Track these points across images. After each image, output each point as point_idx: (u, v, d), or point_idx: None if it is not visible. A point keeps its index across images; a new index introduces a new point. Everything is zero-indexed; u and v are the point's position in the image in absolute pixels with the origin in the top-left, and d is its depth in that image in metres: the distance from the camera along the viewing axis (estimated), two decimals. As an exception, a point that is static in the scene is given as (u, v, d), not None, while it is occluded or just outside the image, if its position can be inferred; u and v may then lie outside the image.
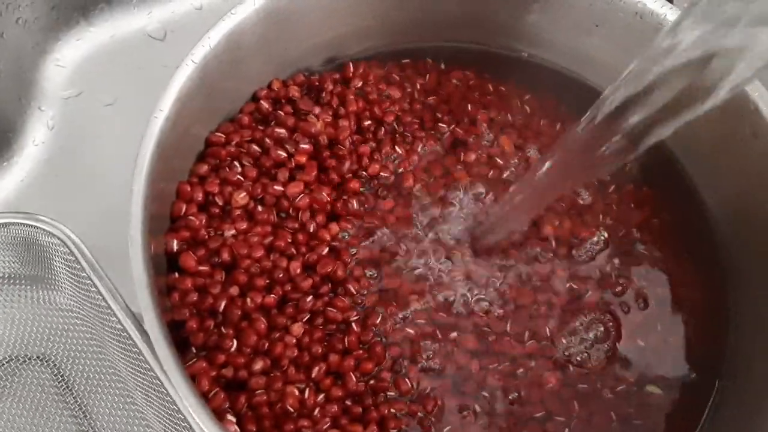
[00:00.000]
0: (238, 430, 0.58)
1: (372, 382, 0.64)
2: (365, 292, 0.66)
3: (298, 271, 0.65)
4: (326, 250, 0.67)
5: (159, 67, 0.87)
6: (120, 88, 0.88)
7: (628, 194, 0.73)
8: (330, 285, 0.66)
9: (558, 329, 0.67)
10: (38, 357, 0.73)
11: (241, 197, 0.67)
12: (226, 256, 0.64)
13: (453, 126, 0.74)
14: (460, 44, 0.79)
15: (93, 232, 0.71)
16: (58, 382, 0.72)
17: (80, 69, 0.88)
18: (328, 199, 0.69)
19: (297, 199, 0.68)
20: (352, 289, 0.66)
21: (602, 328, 0.67)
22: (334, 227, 0.68)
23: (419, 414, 0.63)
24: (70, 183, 0.82)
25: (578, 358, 0.66)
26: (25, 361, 0.72)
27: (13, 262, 0.73)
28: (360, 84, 0.75)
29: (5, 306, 0.73)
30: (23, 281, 0.74)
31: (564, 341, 0.66)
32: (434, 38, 0.79)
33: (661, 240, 0.71)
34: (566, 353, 0.66)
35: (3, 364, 0.72)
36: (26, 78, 0.85)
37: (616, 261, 0.70)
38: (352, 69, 0.75)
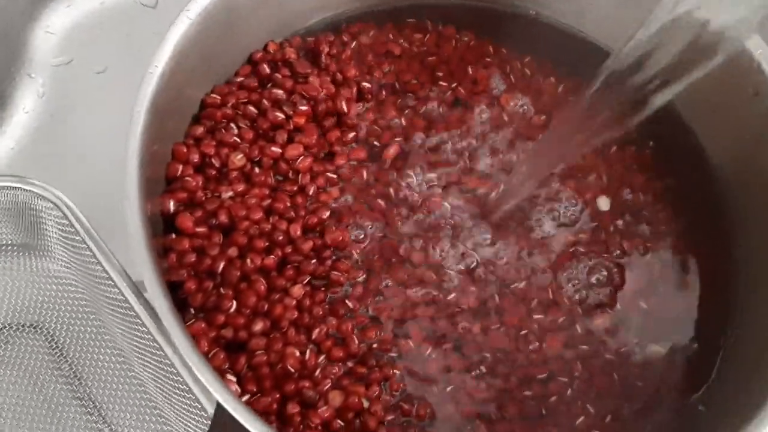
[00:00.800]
0: (239, 389, 0.57)
1: (375, 345, 0.62)
2: (370, 256, 0.65)
3: (299, 233, 0.64)
4: (327, 213, 0.66)
5: (150, 34, 0.85)
6: (110, 56, 0.86)
7: (630, 156, 0.72)
8: (332, 249, 0.65)
9: (558, 286, 0.66)
10: (31, 325, 0.72)
11: (238, 159, 0.66)
12: (223, 217, 0.63)
13: (455, 85, 0.73)
14: (461, 0, 0.78)
15: (85, 200, 0.70)
16: (52, 350, 0.71)
17: (70, 36, 0.87)
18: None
19: (297, 162, 0.66)
20: (355, 253, 0.65)
21: (605, 273, 0.67)
22: (335, 191, 0.67)
23: (421, 374, 0.62)
24: (60, 150, 0.81)
25: (579, 297, 0.66)
26: (18, 329, 0.71)
27: (5, 229, 0.72)
28: (355, 44, 0.73)
29: (-2, 273, 0.72)
30: (15, 249, 0.73)
31: (567, 287, 0.66)
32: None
33: (665, 200, 0.70)
34: (569, 297, 0.65)
35: (-4, 332, 0.71)
36: (15, 45, 0.84)
37: (620, 222, 0.69)
38: (348, 29, 0.74)
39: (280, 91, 0.68)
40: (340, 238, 0.65)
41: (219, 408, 0.52)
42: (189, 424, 0.62)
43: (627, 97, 0.54)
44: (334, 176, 0.69)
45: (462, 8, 0.78)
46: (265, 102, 0.68)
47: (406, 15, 0.77)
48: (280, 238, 0.64)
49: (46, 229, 0.70)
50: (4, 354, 0.70)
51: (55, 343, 0.71)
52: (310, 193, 0.67)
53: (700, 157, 0.72)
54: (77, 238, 0.67)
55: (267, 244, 0.63)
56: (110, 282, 0.64)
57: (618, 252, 0.68)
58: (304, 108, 0.68)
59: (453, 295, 0.66)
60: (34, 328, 0.71)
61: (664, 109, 0.67)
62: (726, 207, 0.70)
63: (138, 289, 0.63)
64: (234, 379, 0.58)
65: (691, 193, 0.71)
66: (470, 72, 0.74)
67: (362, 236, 0.66)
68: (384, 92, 0.72)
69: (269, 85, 0.71)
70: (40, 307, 0.72)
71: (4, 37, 0.82)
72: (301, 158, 0.67)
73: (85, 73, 0.85)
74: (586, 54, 0.75)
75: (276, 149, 0.67)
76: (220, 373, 0.57)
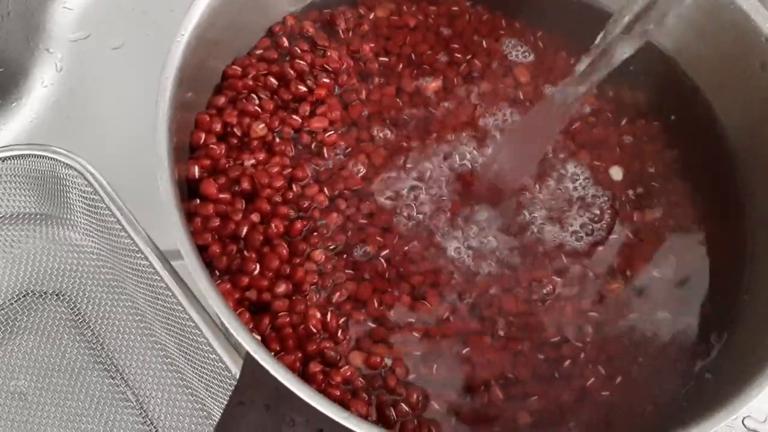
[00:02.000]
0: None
1: (392, 311, 0.64)
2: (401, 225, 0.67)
3: (326, 203, 0.66)
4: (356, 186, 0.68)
5: (166, 11, 0.88)
6: (127, 32, 0.88)
7: (640, 128, 0.74)
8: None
9: (570, 252, 0.68)
10: (54, 292, 0.73)
11: (260, 128, 0.67)
12: (246, 184, 0.65)
13: (470, 57, 0.75)
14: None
15: (104, 172, 0.72)
16: (75, 316, 0.72)
17: (87, 12, 0.88)
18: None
19: (323, 135, 0.69)
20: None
21: (618, 240, 0.68)
22: (362, 158, 0.69)
23: (437, 337, 0.63)
24: (78, 123, 0.82)
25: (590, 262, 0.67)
26: (41, 296, 0.73)
27: (29, 198, 0.74)
28: (372, 16, 0.75)
29: (20, 242, 0.74)
30: (38, 218, 0.75)
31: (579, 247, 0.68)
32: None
33: (676, 171, 0.72)
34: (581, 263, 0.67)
35: (19, 299, 0.72)
36: (34, 20, 0.85)
37: (631, 192, 0.71)
38: (364, 2, 0.76)
39: (303, 62, 0.70)
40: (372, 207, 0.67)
41: (246, 365, 0.53)
42: (212, 385, 0.63)
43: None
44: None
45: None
46: (290, 72, 0.70)
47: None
48: (305, 204, 0.65)
49: (69, 198, 0.72)
50: (27, 320, 0.72)
51: (78, 310, 0.72)
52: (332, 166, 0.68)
53: (713, 127, 0.73)
54: (102, 205, 0.68)
55: (290, 210, 0.65)
56: (135, 248, 0.66)
57: (630, 221, 0.69)
58: (326, 81, 0.69)
59: (471, 261, 0.67)
60: (57, 295, 0.73)
61: (677, 79, 0.70)
62: (737, 177, 0.71)
63: (164, 256, 0.65)
64: (258, 338, 0.59)
65: (702, 164, 0.73)
66: (484, 45, 0.75)
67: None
68: (401, 65, 0.73)
69: (287, 57, 0.72)
70: (62, 275, 0.73)
71: (23, 12, 0.83)
72: (327, 132, 0.69)
73: (103, 48, 0.86)
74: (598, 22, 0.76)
75: (297, 119, 0.68)
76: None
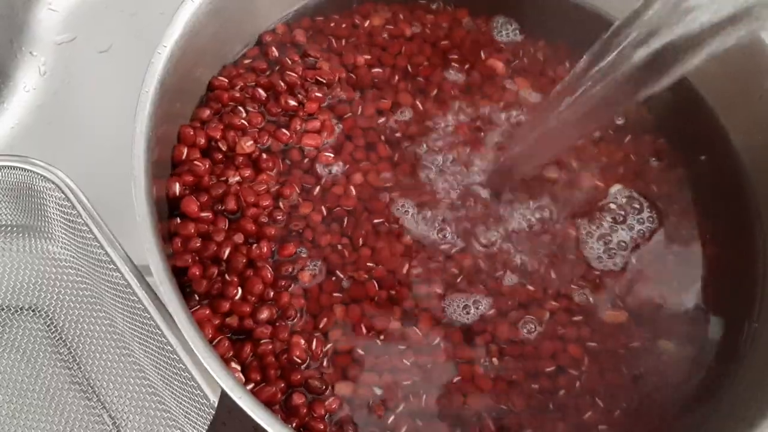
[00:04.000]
0: (243, 377, 0.56)
1: (383, 337, 0.61)
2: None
3: (316, 223, 0.64)
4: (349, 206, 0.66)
5: (156, 14, 0.85)
6: (114, 35, 0.84)
7: (645, 144, 0.71)
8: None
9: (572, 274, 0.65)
10: (30, 307, 0.70)
11: (247, 145, 0.64)
12: (231, 203, 0.62)
13: (467, 67, 0.72)
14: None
15: (86, 181, 0.69)
16: (51, 333, 0.69)
17: (74, 14, 0.85)
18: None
19: (315, 152, 0.67)
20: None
21: (619, 262, 0.66)
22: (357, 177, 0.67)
23: (429, 366, 0.61)
24: (62, 130, 0.79)
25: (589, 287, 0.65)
26: (17, 312, 0.70)
27: (5, 209, 0.71)
28: (367, 24, 0.72)
29: (-4, 255, 0.71)
30: (15, 230, 0.72)
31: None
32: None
33: (682, 188, 0.69)
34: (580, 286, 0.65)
35: (-6, 314, 0.69)
36: (18, 21, 0.82)
37: (635, 211, 0.68)
38: (359, 10, 0.73)
39: (294, 74, 0.67)
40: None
41: (223, 397, 0.50)
42: (190, 411, 0.60)
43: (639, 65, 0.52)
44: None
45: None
46: (281, 84, 0.67)
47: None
48: (295, 224, 0.63)
49: (47, 211, 0.69)
50: (2, 337, 0.69)
51: (54, 326, 0.69)
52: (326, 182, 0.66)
53: (722, 146, 0.70)
54: (79, 220, 0.65)
55: (275, 231, 0.62)
56: (112, 266, 0.63)
57: (633, 241, 0.67)
58: (318, 95, 0.67)
59: (465, 285, 0.64)
60: (33, 310, 0.70)
61: (688, 96, 0.67)
62: (747, 198, 0.68)
63: (141, 274, 0.62)
64: (238, 367, 0.56)
65: (710, 184, 0.70)
66: (483, 56, 0.72)
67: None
68: (396, 77, 0.70)
69: (277, 68, 0.69)
70: (39, 290, 0.70)
71: (6, 13, 0.80)
72: (319, 149, 0.67)
73: (89, 51, 0.83)
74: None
75: (286, 133, 0.66)
76: (225, 361, 0.55)
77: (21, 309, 0.70)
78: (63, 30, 0.84)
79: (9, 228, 0.71)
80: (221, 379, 0.47)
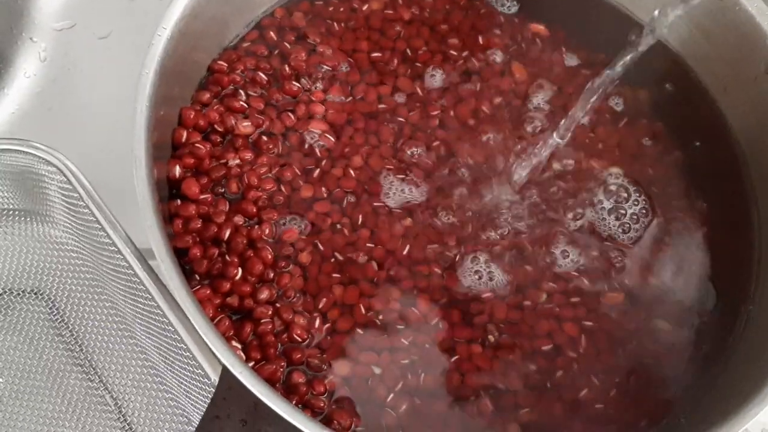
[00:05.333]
0: (243, 356, 0.57)
1: (381, 316, 0.62)
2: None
3: (317, 203, 0.65)
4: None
5: (154, 1, 0.85)
6: (114, 21, 0.85)
7: (641, 128, 0.71)
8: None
9: (565, 258, 0.65)
10: (32, 291, 0.71)
11: (244, 125, 0.65)
12: (232, 185, 0.62)
13: (465, 53, 0.72)
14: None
15: (87, 166, 0.69)
16: (54, 316, 0.70)
17: (73, 0, 0.85)
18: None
19: (318, 137, 0.68)
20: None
21: (617, 245, 0.66)
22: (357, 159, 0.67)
23: (427, 345, 0.61)
24: (62, 116, 0.79)
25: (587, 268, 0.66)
26: (19, 295, 0.70)
27: (7, 194, 0.71)
28: (365, 8, 0.72)
29: (-1, 239, 0.71)
30: (17, 214, 0.72)
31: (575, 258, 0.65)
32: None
33: (680, 173, 0.70)
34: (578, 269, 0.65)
35: (-4, 297, 0.70)
36: (18, 8, 0.82)
37: (633, 195, 0.68)
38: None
39: (298, 59, 0.68)
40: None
41: (223, 375, 0.51)
42: (191, 391, 0.61)
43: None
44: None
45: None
46: (285, 69, 0.69)
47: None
48: (296, 206, 0.64)
49: (49, 195, 0.70)
50: (5, 320, 0.69)
51: (57, 309, 0.70)
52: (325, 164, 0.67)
53: (720, 129, 0.71)
54: (80, 203, 0.66)
55: (276, 213, 0.62)
56: (114, 248, 0.63)
57: (630, 225, 0.67)
58: (321, 80, 0.68)
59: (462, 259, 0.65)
60: (35, 294, 0.71)
61: (685, 78, 0.67)
62: (744, 182, 0.69)
63: (142, 256, 0.62)
64: (239, 346, 0.57)
65: (707, 168, 0.71)
66: (481, 41, 0.73)
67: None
68: (396, 61, 0.71)
69: (276, 51, 0.70)
70: (41, 273, 0.71)
71: (6, 0, 0.81)
72: (322, 133, 0.67)
73: (89, 37, 0.83)
74: (604, 21, 0.74)
75: (291, 117, 0.67)
76: (225, 340, 0.56)
77: (24, 292, 0.70)
78: (63, 16, 0.84)
79: (11, 212, 0.72)
80: (222, 355, 0.48)
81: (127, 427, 0.65)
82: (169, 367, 0.64)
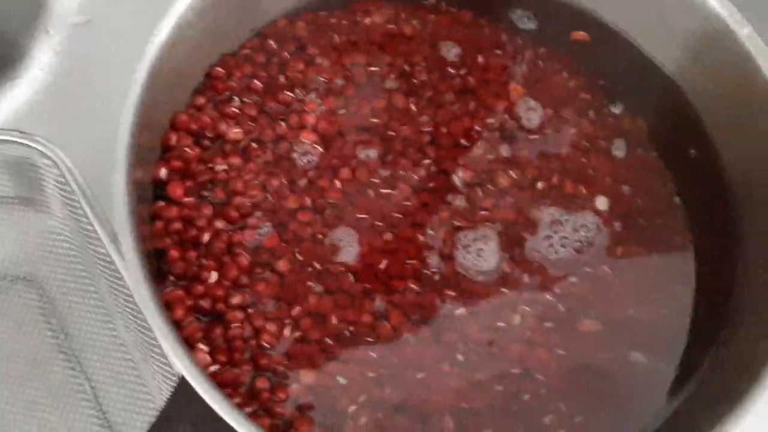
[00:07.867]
0: (208, 358, 0.58)
1: (352, 328, 0.63)
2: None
3: (300, 213, 0.66)
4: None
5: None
6: (131, 20, 0.86)
7: (637, 159, 0.71)
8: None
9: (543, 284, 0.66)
10: (24, 277, 0.73)
11: (234, 132, 0.66)
12: (218, 191, 0.64)
13: (464, 72, 0.73)
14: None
15: (90, 161, 0.71)
16: (44, 304, 0.72)
17: (94, -4, 0.87)
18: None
19: (306, 146, 0.68)
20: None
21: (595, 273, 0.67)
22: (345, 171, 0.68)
23: (394, 360, 0.62)
24: (72, 110, 0.81)
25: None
26: (12, 280, 0.73)
27: (7, 181, 0.73)
28: (368, 21, 0.73)
29: (-5, 225, 0.74)
30: (14, 201, 0.74)
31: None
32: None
33: (667, 206, 0.70)
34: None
35: (-11, 282, 0.72)
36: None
37: (617, 225, 0.68)
38: (360, 6, 0.75)
39: (294, 69, 0.70)
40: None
41: (180, 380, 0.52)
42: (163, 386, 0.63)
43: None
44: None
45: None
46: (280, 78, 0.69)
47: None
48: (279, 213, 0.65)
49: (46, 185, 0.72)
50: (-3, 303, 0.72)
51: (47, 297, 0.72)
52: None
53: (714, 163, 0.70)
54: (73, 197, 0.68)
55: (260, 222, 0.64)
56: (100, 242, 0.65)
57: (612, 255, 0.67)
58: (315, 91, 0.69)
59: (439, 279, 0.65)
60: (28, 281, 0.73)
61: (684, 114, 0.67)
62: (732, 217, 0.69)
63: (125, 253, 0.64)
64: (206, 348, 0.58)
65: (697, 201, 0.70)
66: (480, 60, 0.73)
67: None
68: (392, 75, 0.72)
69: (275, 60, 0.71)
70: (35, 261, 0.73)
71: (26, -10, 0.83)
72: (312, 144, 0.68)
73: (104, 34, 0.85)
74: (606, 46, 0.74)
75: (283, 126, 0.68)
76: (193, 341, 0.58)
77: (16, 278, 0.72)
78: (80, 11, 0.86)
79: (9, 199, 0.74)
80: (177, 359, 0.49)
81: (102, 416, 0.67)
82: (145, 362, 0.65)
